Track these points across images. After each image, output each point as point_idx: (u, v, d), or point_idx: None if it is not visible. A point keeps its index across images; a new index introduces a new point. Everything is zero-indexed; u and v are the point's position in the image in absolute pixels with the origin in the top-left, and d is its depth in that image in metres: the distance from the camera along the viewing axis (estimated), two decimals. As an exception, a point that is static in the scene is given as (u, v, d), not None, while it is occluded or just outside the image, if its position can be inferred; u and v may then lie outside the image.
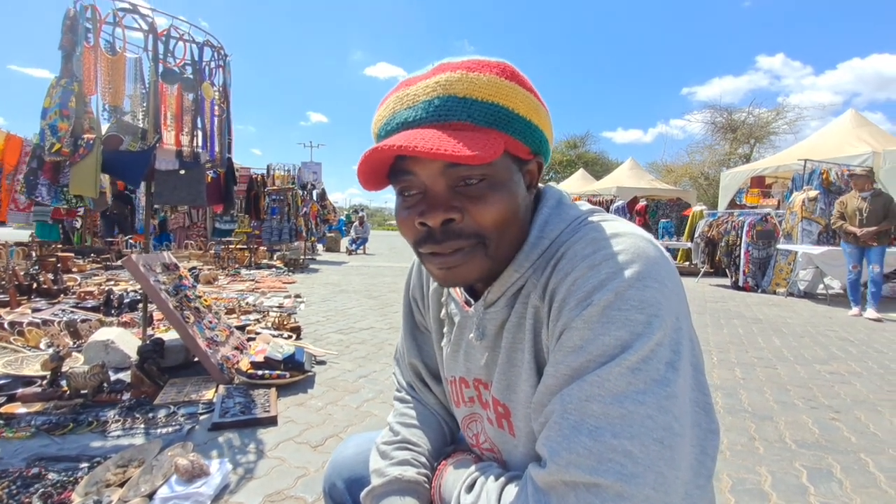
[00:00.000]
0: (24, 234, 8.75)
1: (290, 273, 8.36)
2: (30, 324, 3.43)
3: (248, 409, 2.27)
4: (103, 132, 2.45)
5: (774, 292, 7.27)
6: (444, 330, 0.77)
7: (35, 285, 4.84)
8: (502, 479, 0.60)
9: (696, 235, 9.14)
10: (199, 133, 2.90)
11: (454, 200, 0.56)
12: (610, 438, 0.46)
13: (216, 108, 3.03)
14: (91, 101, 2.41)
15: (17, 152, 6.52)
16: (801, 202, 7.15)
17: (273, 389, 2.52)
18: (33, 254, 6.35)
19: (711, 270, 9.13)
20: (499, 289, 0.64)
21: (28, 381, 2.50)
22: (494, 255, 0.59)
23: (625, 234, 0.56)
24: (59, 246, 7.94)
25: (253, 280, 7.03)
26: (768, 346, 3.95)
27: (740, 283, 7.77)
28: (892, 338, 4.38)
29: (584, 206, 0.67)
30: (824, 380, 3.06)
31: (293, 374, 2.70)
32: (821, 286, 6.76)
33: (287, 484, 1.71)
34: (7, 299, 4.28)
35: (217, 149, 3.06)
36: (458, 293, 0.73)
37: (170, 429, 2.09)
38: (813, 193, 7.17)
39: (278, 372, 2.67)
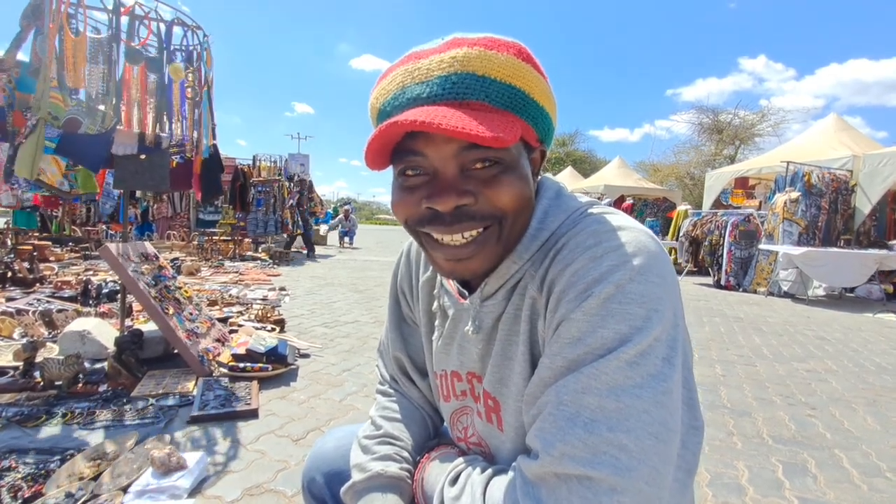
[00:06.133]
0: (0, 222, 8.52)
1: (276, 266, 8.27)
2: (3, 313, 3.33)
3: (228, 402, 2.23)
4: (65, 114, 2.34)
5: (755, 291, 7.41)
6: (437, 323, 0.75)
7: (9, 274, 4.71)
8: (488, 472, 0.59)
9: (680, 234, 9.26)
10: (165, 116, 2.75)
11: (466, 184, 0.54)
12: (605, 431, 0.45)
13: (188, 90, 2.90)
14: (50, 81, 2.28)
15: None
16: (783, 203, 7.28)
17: (255, 382, 2.48)
18: (8, 241, 6.18)
19: (695, 269, 9.26)
20: (496, 281, 0.62)
21: (0, 371, 2.43)
22: (507, 239, 0.57)
23: (627, 228, 0.55)
24: (37, 234, 7.75)
25: (237, 272, 6.94)
26: (748, 343, 4.02)
27: (722, 282, 7.90)
28: (867, 337, 4.48)
29: (583, 197, 0.65)
30: (801, 377, 3.12)
31: (276, 366, 2.67)
32: (810, 291, 6.81)
33: (267, 477, 1.69)
34: (-20, 288, 4.16)
35: (190, 133, 2.92)
36: (451, 285, 0.71)
37: (147, 421, 2.04)
38: (794, 195, 7.30)
39: (260, 364, 2.63)
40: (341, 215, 15.50)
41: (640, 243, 0.52)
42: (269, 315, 3.88)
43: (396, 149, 0.55)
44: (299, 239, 11.15)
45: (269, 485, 1.64)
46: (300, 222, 10.61)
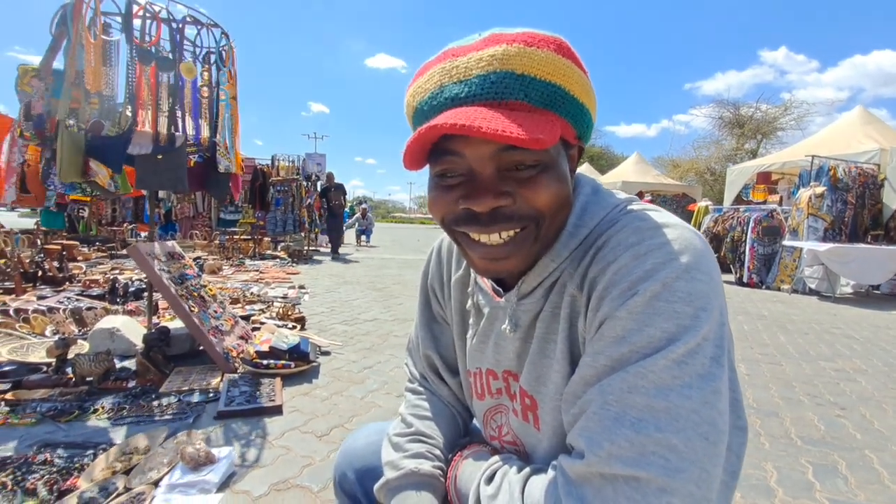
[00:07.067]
0: (30, 222, 8.80)
1: (294, 264, 8.37)
2: (35, 311, 3.44)
3: (253, 398, 2.27)
4: (90, 118, 2.38)
5: (779, 289, 7.25)
6: (471, 321, 0.74)
7: (40, 273, 4.86)
8: (526, 471, 0.58)
9: (701, 230, 9.11)
10: (179, 115, 2.77)
11: (504, 185, 0.53)
12: (654, 432, 0.44)
13: (203, 89, 2.91)
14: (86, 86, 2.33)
15: (5, 132, 6.68)
16: (807, 198, 7.10)
17: (278, 379, 2.52)
18: (38, 241, 6.37)
19: (716, 266, 9.09)
20: (534, 279, 0.61)
21: (33, 367, 2.51)
22: (544, 238, 0.57)
23: (672, 225, 0.53)
24: (65, 234, 7.97)
25: (257, 270, 7.04)
26: (773, 342, 3.94)
27: (745, 280, 7.75)
28: (897, 336, 4.36)
29: (621, 194, 0.64)
30: (829, 377, 3.05)
31: (298, 363, 2.70)
32: (837, 289, 6.63)
33: (293, 473, 1.71)
34: (12, 286, 4.30)
35: (204, 132, 2.92)
36: (486, 283, 0.70)
37: (175, 416, 2.09)
38: (820, 190, 7.11)
39: (283, 361, 2.67)
40: (358, 214, 15.59)
41: (686, 240, 0.51)
42: (289, 313, 3.93)
43: (433, 149, 0.55)
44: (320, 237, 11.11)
45: (295, 480, 1.67)
46: (317, 219, 10.62)
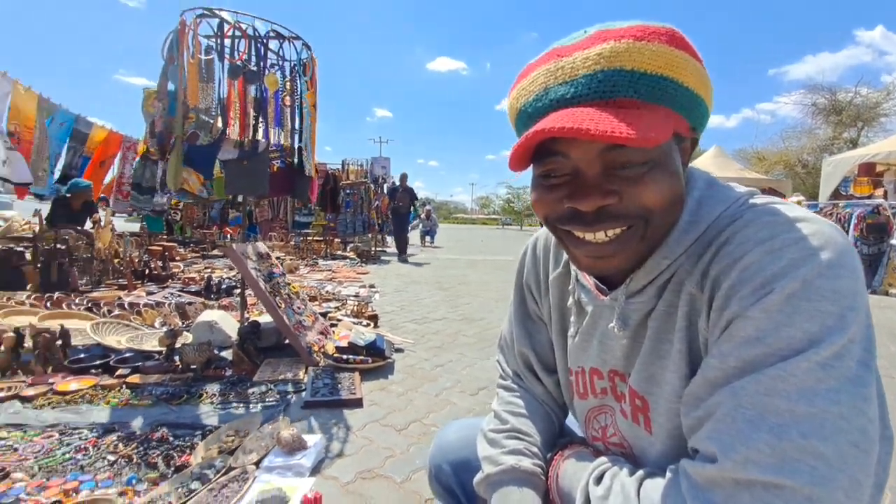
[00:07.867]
0: (134, 226, 9.81)
1: (363, 264, 8.69)
2: (145, 305, 3.85)
3: (335, 391, 2.40)
4: (188, 131, 2.63)
5: (887, 293, 6.52)
6: (572, 319, 0.73)
7: (146, 271, 5.41)
8: (639, 473, 0.56)
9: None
10: (262, 124, 2.98)
11: (610, 184, 0.52)
12: (798, 438, 0.42)
13: (286, 98, 3.11)
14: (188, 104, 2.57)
15: (116, 147, 7.96)
16: (922, 192, 6.34)
17: (357, 373, 2.65)
18: (144, 243, 7.11)
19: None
20: (644, 277, 0.59)
21: (147, 355, 2.81)
22: (651, 237, 0.55)
23: (808, 219, 0.50)
24: (165, 236, 8.82)
25: (329, 270, 7.39)
26: (884, 353, 3.54)
27: (844, 283, 7.05)
28: None
29: (739, 187, 0.61)
30: (953, 393, 2.71)
31: (375, 360, 2.82)
32: None
33: (376, 463, 1.80)
34: (125, 283, 4.83)
35: (283, 139, 3.13)
36: (588, 280, 0.69)
37: (268, 404, 2.26)
38: (938, 182, 6.33)
39: (361, 357, 2.80)
40: (423, 215, 15.90)
41: (826, 235, 0.48)
42: (363, 311, 4.10)
43: (537, 149, 0.54)
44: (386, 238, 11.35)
45: (379, 470, 1.75)
46: (384, 220, 10.91)
